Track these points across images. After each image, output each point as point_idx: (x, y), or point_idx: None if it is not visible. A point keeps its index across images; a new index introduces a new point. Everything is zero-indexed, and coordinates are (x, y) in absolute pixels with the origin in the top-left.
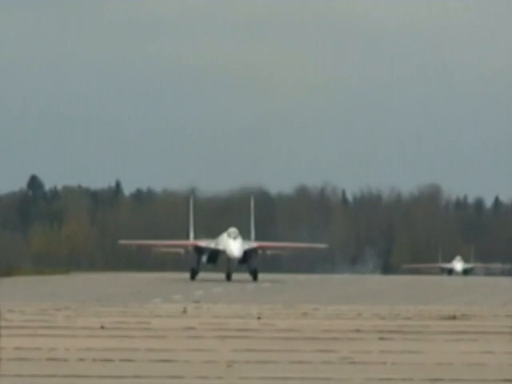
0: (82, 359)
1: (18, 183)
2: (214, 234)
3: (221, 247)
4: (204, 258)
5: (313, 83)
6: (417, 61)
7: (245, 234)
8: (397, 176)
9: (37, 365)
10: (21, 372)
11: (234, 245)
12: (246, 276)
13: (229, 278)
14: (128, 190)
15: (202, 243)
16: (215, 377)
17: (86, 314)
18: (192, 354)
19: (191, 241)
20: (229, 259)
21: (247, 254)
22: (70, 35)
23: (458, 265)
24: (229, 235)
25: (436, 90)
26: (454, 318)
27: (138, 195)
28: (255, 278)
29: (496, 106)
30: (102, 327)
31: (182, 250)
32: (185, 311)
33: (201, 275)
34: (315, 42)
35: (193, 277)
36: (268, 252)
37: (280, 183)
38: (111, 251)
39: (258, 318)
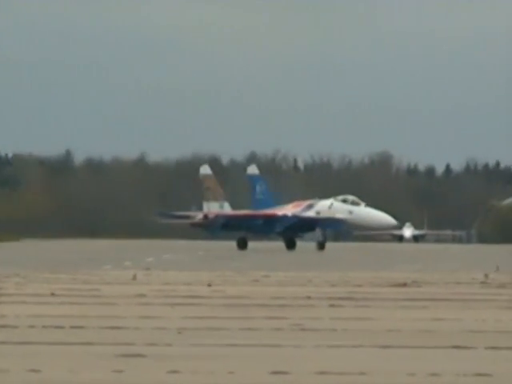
0: (32, 326)
1: None
2: (167, 201)
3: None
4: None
5: (264, 50)
6: (367, 26)
7: (196, 200)
8: (348, 143)
9: None
10: None
11: None
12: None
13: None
14: (79, 157)
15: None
16: (165, 344)
17: (36, 281)
18: (142, 320)
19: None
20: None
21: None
22: None
23: (408, 231)
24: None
25: (387, 57)
26: (404, 285)
27: (89, 163)
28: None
29: (446, 74)
30: (53, 294)
31: None
32: (135, 278)
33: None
34: (268, 11)
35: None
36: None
37: (231, 150)
38: (65, 218)
39: (209, 285)
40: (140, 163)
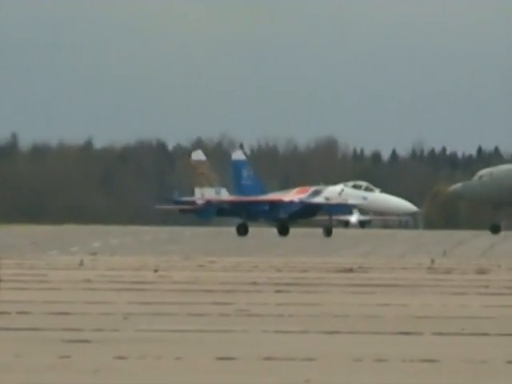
0: None
1: None
2: (114, 187)
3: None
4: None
5: (213, 34)
6: (309, 12)
7: (144, 185)
8: (294, 128)
9: None
10: None
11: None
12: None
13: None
14: (24, 142)
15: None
16: (111, 329)
17: None
18: (88, 306)
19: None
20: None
21: None
22: None
23: (354, 217)
24: None
25: (331, 40)
26: (350, 270)
27: (35, 148)
28: None
29: (391, 59)
30: None
31: None
32: (81, 263)
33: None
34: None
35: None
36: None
37: (177, 136)
38: (10, 203)
39: (155, 271)
40: (86, 148)
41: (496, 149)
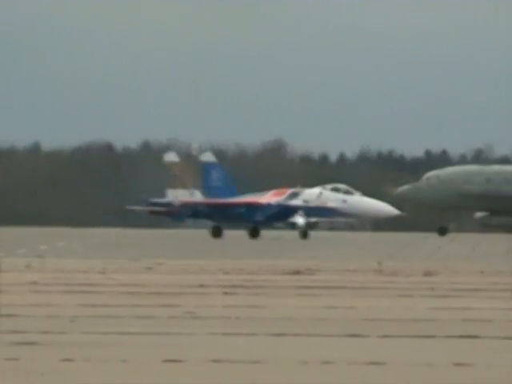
0: None
1: None
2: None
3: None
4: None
5: (159, 36)
6: (256, 15)
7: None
8: (241, 132)
9: None
10: None
11: None
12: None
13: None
14: None
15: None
16: (58, 332)
17: None
18: (35, 308)
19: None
20: None
21: None
22: None
23: (301, 219)
24: None
25: (277, 43)
26: (297, 272)
27: None
28: None
29: (340, 61)
30: None
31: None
32: (29, 266)
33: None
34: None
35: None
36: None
37: (125, 138)
38: None
39: (102, 273)
40: (34, 151)
41: (443, 151)
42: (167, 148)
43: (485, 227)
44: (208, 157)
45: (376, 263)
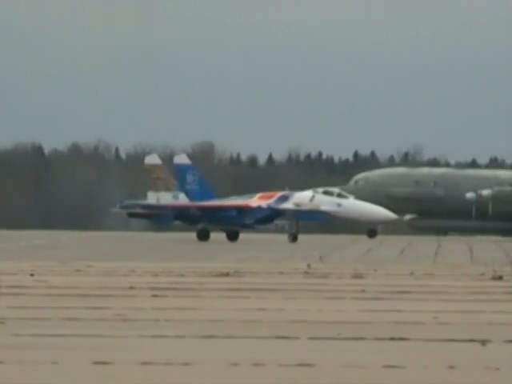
0: None
1: None
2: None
3: None
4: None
5: (85, 36)
6: (184, 16)
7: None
8: (169, 133)
9: None
10: None
11: None
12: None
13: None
14: None
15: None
16: None
17: None
18: None
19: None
20: None
21: None
22: None
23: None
24: None
25: (206, 45)
26: (227, 274)
27: None
28: None
29: (265, 63)
30: None
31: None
32: None
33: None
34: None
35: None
36: None
37: (54, 140)
38: None
39: (31, 275)
40: None
41: (372, 153)
42: (96, 149)
43: (414, 229)
44: (182, 159)
45: (306, 265)
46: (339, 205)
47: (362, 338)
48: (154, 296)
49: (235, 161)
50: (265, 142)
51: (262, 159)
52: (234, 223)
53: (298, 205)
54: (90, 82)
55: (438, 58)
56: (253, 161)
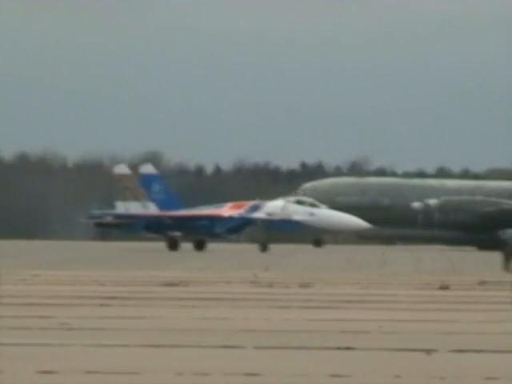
0: None
1: None
2: None
3: None
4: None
5: (31, 43)
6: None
7: None
8: (117, 142)
9: None
10: None
11: None
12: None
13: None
14: None
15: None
16: None
17: None
18: None
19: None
20: None
21: None
22: None
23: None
24: None
25: (155, 51)
26: (173, 284)
27: None
28: None
29: (214, 71)
30: None
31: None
32: None
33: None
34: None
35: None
36: None
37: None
38: None
39: None
40: None
41: (319, 163)
42: (44, 159)
43: (360, 239)
44: (148, 168)
45: (252, 275)
46: (311, 214)
47: (308, 348)
48: (100, 305)
49: (182, 170)
50: (212, 152)
51: (209, 169)
52: (206, 232)
53: (270, 214)
54: (36, 90)
55: (384, 69)
56: (199, 170)
